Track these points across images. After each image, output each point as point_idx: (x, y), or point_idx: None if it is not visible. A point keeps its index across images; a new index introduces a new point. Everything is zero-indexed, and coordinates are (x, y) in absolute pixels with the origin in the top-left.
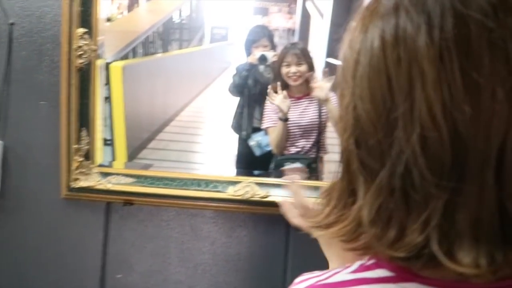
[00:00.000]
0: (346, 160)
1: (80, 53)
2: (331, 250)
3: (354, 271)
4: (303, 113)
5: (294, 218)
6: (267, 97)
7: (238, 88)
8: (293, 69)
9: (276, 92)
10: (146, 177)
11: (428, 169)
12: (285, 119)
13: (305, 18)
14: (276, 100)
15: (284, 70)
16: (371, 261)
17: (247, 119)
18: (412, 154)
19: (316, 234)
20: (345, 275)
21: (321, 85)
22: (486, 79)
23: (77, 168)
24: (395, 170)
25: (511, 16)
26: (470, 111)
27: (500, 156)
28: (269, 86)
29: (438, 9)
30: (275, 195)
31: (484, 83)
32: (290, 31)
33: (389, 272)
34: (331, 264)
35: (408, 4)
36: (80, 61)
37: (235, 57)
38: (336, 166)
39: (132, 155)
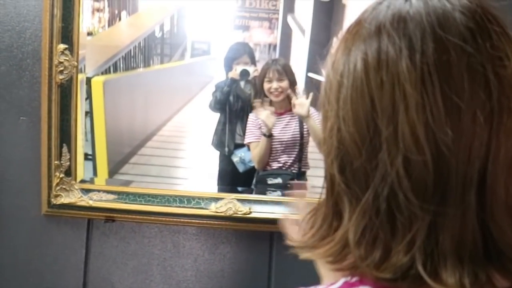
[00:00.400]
0: (330, 182)
1: (61, 69)
2: (325, 268)
3: None
4: (285, 129)
5: (294, 236)
6: (250, 112)
7: (220, 105)
8: (274, 84)
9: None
10: (127, 194)
11: (412, 191)
12: (269, 135)
13: (286, 33)
14: (262, 115)
15: (265, 86)
16: (355, 278)
17: (229, 136)
18: (396, 177)
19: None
20: None
21: (302, 102)
22: (467, 103)
23: (58, 184)
24: (379, 192)
25: (489, 41)
26: (452, 134)
27: (482, 178)
28: (258, 100)
29: (418, 33)
30: (258, 212)
31: (465, 107)
32: (271, 46)
33: None
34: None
35: (390, 27)
36: (61, 77)
37: (217, 71)
38: (319, 182)
39: (114, 170)
